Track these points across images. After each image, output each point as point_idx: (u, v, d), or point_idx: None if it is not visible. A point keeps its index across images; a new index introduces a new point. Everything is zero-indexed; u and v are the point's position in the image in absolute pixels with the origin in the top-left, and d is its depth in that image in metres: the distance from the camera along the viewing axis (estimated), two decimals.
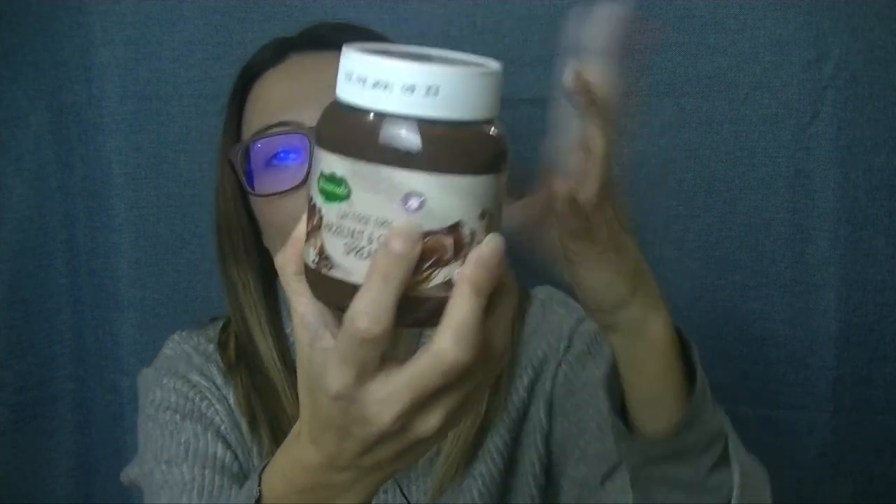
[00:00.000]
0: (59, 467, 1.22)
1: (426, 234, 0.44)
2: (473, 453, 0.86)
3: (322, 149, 0.46)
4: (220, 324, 0.92)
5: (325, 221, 0.46)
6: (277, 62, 0.85)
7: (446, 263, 0.45)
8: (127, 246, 1.14)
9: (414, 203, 0.44)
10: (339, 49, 0.85)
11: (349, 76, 0.45)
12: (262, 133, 0.81)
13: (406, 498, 0.87)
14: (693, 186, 1.14)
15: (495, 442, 0.88)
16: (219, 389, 0.88)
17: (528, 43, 1.11)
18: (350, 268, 0.45)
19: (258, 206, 0.83)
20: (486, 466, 0.87)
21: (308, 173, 0.78)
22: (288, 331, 0.88)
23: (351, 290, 0.45)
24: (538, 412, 0.89)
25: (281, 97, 0.82)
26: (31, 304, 1.18)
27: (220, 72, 1.11)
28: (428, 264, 0.45)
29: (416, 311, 0.46)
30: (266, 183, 0.81)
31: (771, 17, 1.10)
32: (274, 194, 0.80)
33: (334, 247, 0.46)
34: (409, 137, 0.44)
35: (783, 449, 1.16)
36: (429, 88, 0.43)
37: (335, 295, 0.46)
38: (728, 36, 1.11)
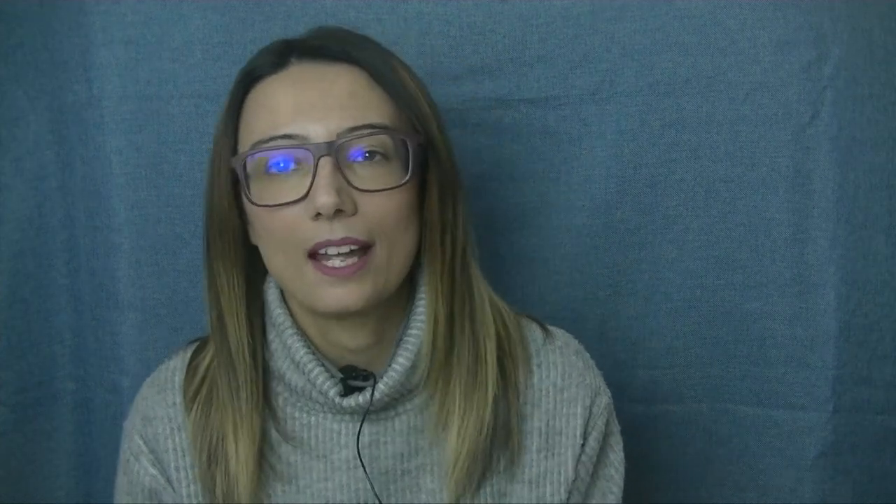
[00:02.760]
0: (59, 467, 1.22)
1: None
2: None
3: None
4: (195, 346, 0.94)
5: None
6: (280, 68, 0.85)
7: None
8: (127, 246, 1.14)
9: None
10: (343, 60, 0.84)
11: None
12: (266, 143, 0.82)
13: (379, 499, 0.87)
14: (693, 186, 1.13)
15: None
16: (179, 431, 0.90)
17: (528, 43, 1.11)
18: None
19: (254, 210, 0.84)
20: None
21: (311, 187, 0.79)
22: (271, 337, 0.88)
23: None
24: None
25: (286, 108, 0.82)
26: (31, 304, 1.18)
27: (220, 72, 1.11)
28: None
29: None
30: (266, 192, 0.82)
31: (771, 17, 1.10)
32: (276, 206, 0.81)
33: None
34: None
35: (783, 449, 1.16)
36: None
37: None
38: (728, 36, 1.11)
